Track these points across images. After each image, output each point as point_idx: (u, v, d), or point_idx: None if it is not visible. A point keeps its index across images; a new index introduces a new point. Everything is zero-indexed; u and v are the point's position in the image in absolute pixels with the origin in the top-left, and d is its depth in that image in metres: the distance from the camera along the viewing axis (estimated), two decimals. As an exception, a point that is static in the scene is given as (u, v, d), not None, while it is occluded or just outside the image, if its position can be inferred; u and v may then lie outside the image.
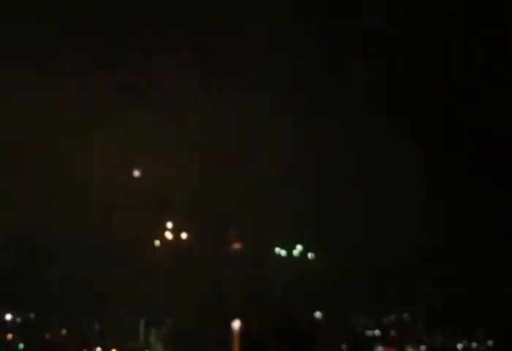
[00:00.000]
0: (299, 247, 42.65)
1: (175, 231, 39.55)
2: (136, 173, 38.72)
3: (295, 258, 42.36)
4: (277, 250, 42.72)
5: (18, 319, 39.71)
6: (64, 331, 39.11)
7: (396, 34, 34.58)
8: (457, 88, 36.69)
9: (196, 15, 35.67)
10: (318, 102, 37.54)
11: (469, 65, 36.14)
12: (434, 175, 37.71)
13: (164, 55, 35.46)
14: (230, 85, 36.45)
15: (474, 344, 42.56)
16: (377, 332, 43.39)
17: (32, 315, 39.70)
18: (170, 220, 39.16)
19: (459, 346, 42.62)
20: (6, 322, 39.49)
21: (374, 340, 43.06)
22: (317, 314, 43.04)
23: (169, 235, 39.33)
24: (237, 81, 36.41)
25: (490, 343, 42.22)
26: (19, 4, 33.79)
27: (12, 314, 39.65)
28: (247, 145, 37.75)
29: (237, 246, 39.87)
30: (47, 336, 38.88)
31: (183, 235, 39.54)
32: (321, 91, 37.06)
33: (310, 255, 42.30)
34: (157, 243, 39.35)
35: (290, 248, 42.63)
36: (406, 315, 43.39)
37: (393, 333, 43.26)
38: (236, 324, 37.61)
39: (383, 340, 42.97)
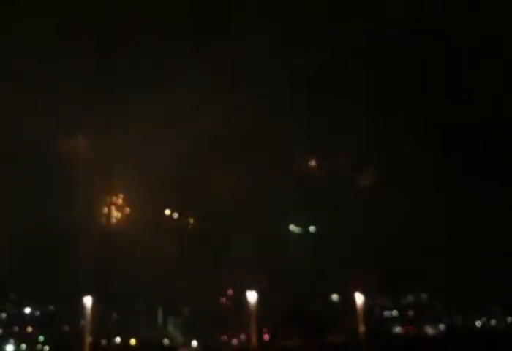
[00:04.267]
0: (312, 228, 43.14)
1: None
2: None
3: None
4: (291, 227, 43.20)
5: (37, 313, 40.06)
6: (82, 322, 39.26)
7: (396, 34, 34.25)
8: (457, 88, 36.40)
9: (196, 15, 35.43)
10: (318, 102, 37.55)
11: (468, 65, 35.76)
12: (438, 176, 38.06)
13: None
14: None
15: (493, 322, 42.47)
16: (394, 312, 43.34)
17: (51, 308, 40.03)
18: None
19: (478, 323, 42.53)
20: (25, 315, 39.86)
21: (392, 320, 43.08)
22: (334, 297, 43.04)
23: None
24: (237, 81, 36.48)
25: (510, 319, 42.19)
26: (22, 4, 33.73)
27: (31, 308, 40.01)
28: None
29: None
30: (67, 328, 39.21)
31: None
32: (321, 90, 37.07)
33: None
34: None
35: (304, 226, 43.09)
36: (423, 295, 43.21)
37: (410, 313, 43.18)
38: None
39: (401, 320, 42.99)
